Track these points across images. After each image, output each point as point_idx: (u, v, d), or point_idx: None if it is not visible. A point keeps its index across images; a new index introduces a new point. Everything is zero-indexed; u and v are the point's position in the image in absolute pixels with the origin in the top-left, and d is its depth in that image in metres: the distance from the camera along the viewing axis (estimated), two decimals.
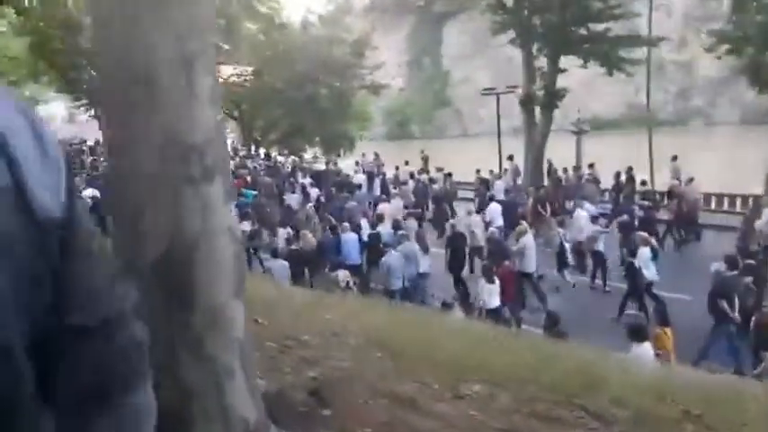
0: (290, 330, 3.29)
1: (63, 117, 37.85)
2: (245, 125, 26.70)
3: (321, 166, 23.53)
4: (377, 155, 21.82)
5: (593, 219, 12.01)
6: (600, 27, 17.91)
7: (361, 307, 5.46)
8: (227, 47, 20.60)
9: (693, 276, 9.83)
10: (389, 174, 20.06)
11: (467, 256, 11.76)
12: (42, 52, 20.90)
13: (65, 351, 0.62)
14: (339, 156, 24.69)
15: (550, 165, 18.59)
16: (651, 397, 2.77)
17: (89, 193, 13.11)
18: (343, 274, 9.97)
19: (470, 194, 17.13)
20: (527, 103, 19.04)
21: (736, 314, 7.73)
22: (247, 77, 23.35)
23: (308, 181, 18.96)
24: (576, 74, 18.92)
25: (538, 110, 19.19)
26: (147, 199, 1.70)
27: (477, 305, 9.26)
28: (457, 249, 11.43)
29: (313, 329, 3.39)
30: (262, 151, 27.34)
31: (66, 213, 0.60)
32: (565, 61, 18.63)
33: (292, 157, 25.50)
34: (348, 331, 3.50)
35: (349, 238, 11.38)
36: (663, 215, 13.97)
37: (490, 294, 9.09)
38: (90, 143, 27.14)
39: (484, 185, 16.62)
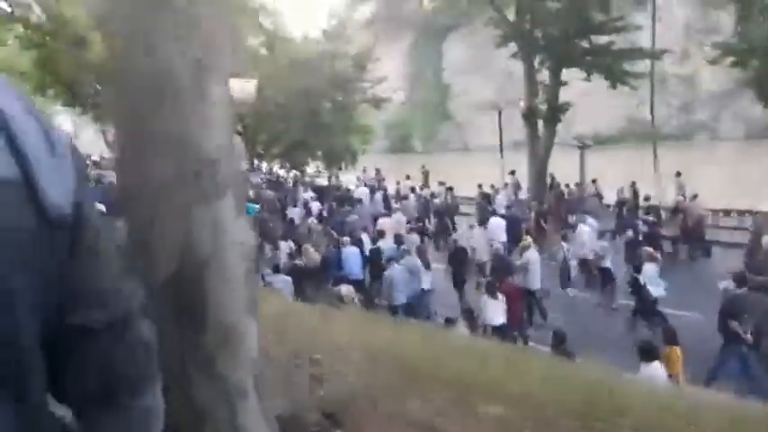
0: (300, 347, 3.23)
1: (69, 131, 38.06)
2: (248, 139, 26.78)
3: (323, 181, 23.55)
4: (378, 170, 21.86)
5: (600, 235, 11.95)
6: (602, 40, 18.00)
7: (367, 323, 5.38)
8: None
9: (701, 293, 9.72)
10: (391, 188, 20.06)
11: (469, 271, 11.68)
12: (49, 66, 21.08)
13: (72, 351, 0.62)
14: (341, 169, 24.72)
15: (553, 179, 18.58)
16: (677, 421, 2.68)
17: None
18: (346, 289, 9.89)
19: (472, 209, 17.10)
20: (530, 116, 19.08)
21: (748, 335, 7.59)
22: (250, 92, 23.45)
23: (309, 195, 18.96)
24: (576, 87, 18.98)
25: (540, 124, 19.22)
26: (158, 213, 1.65)
27: (480, 321, 9.16)
28: (459, 264, 11.36)
29: (322, 347, 3.33)
30: (264, 165, 27.38)
31: (76, 211, 0.60)
32: (566, 74, 18.70)
33: (294, 171, 25.54)
34: (357, 348, 3.43)
35: (350, 252, 11.34)
36: (668, 231, 13.90)
37: (494, 311, 9.00)
38: (95, 157, 27.25)
39: (485, 200, 16.60)
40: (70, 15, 19.76)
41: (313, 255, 11.69)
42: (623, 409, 2.68)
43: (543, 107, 18.78)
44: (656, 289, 9.45)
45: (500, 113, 21.87)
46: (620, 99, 28.19)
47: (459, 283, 11.18)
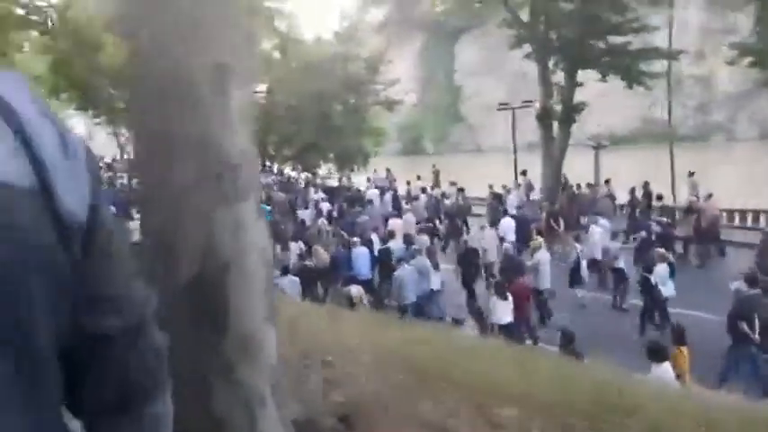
0: (312, 349, 3.23)
1: (82, 134, 38.55)
2: (260, 141, 26.93)
3: (334, 182, 23.60)
4: (388, 170, 21.86)
5: (614, 235, 11.84)
6: (619, 40, 17.85)
7: (376, 324, 5.38)
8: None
9: (711, 293, 9.60)
10: (401, 189, 20.04)
11: (479, 272, 11.64)
12: (63, 70, 21.39)
13: (88, 360, 0.62)
14: (353, 171, 24.76)
15: (566, 180, 18.46)
16: (687, 422, 2.64)
17: None
18: (356, 290, 9.91)
19: (484, 210, 17.03)
20: (544, 117, 18.96)
21: (757, 336, 7.48)
22: (263, 94, 23.62)
23: (320, 196, 19.01)
24: (591, 88, 18.86)
25: (555, 124, 19.10)
26: (179, 216, 1.65)
27: (488, 321, 9.13)
28: (469, 265, 11.33)
29: (334, 349, 3.33)
30: (275, 167, 27.50)
31: (90, 215, 0.60)
32: (581, 75, 18.58)
33: (305, 172, 25.63)
34: (368, 350, 3.43)
35: (360, 252, 11.37)
36: (681, 231, 13.73)
37: (502, 311, 8.97)
38: (108, 160, 27.56)
39: (496, 200, 16.54)
40: (84, 20, 20.03)
41: (323, 255, 11.72)
42: (633, 410, 2.66)
43: (558, 108, 18.66)
44: (666, 289, 9.36)
45: (513, 114, 21.76)
46: (635, 100, 27.96)
47: (468, 283, 11.15)
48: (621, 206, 16.90)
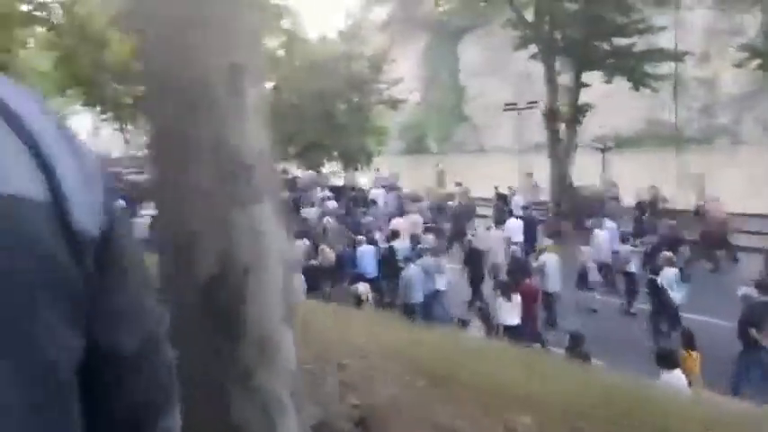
0: (325, 351, 3.21)
1: (88, 130, 38.62)
2: None
3: (339, 181, 23.60)
4: (392, 171, 21.85)
5: (624, 239, 11.79)
6: (624, 42, 17.77)
7: (384, 324, 5.37)
8: None
9: (724, 298, 9.53)
10: (406, 189, 20.02)
11: (484, 273, 11.61)
12: (70, 67, 21.39)
13: (98, 380, 0.60)
14: (357, 170, 24.76)
15: (571, 181, 18.41)
16: (700, 429, 2.62)
17: None
18: (363, 288, 9.93)
19: (488, 211, 16.99)
20: (551, 118, 18.92)
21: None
22: (267, 93, 23.60)
23: (325, 194, 19.01)
24: (596, 89, 18.79)
25: (561, 126, 19.04)
26: (195, 218, 1.63)
27: (494, 322, 9.11)
28: (474, 266, 11.31)
29: (346, 350, 3.32)
30: (280, 166, 27.49)
31: (105, 230, 0.57)
32: (586, 76, 18.53)
33: (310, 171, 25.61)
34: (377, 351, 3.41)
35: (365, 251, 11.38)
36: (689, 234, 13.66)
37: (508, 312, 8.94)
38: (114, 155, 27.56)
39: (502, 201, 16.51)
40: (89, 16, 20.02)
41: (329, 254, 11.74)
42: (644, 416, 2.63)
43: (564, 109, 18.61)
44: (676, 294, 9.30)
45: (519, 115, 21.73)
46: (640, 101, 27.84)
47: (474, 284, 11.13)
48: (628, 209, 16.83)
